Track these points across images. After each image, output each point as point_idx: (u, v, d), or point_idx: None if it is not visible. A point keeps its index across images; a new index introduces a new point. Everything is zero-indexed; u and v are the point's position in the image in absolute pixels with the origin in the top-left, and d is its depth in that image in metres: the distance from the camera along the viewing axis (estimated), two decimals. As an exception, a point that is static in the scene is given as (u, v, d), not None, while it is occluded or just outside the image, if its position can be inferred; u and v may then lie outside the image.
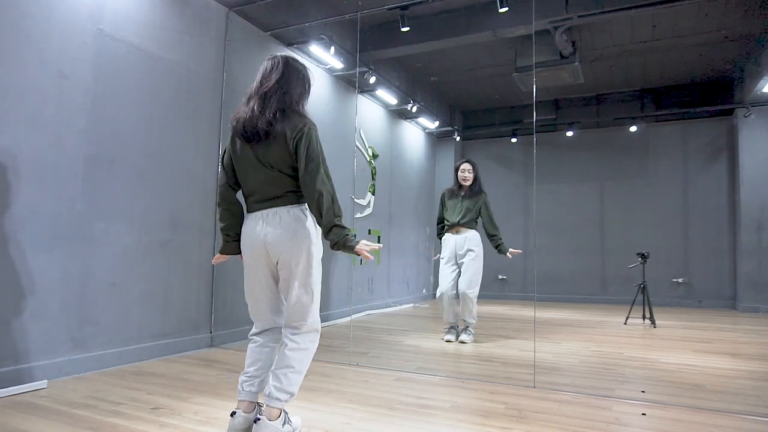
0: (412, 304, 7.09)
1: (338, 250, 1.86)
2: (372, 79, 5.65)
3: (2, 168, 2.66)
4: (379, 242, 6.36)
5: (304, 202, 1.95)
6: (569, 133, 7.40)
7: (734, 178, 6.82)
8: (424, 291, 7.59)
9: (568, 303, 7.22)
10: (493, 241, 4.35)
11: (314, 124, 1.94)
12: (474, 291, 4.23)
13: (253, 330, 2.07)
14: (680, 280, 6.91)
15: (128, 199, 3.33)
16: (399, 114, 7.05)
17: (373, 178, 6.32)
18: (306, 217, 1.94)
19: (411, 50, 5.52)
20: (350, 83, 5.84)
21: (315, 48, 4.95)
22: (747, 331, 5.00)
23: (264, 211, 1.94)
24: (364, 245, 1.85)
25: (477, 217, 4.36)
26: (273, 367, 1.94)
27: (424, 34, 5.23)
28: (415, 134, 7.56)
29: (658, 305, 6.17)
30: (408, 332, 4.80)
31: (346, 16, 4.58)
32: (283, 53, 2.06)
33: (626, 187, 7.37)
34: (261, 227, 1.92)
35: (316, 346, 2.00)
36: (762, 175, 6.49)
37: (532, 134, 6.80)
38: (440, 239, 4.54)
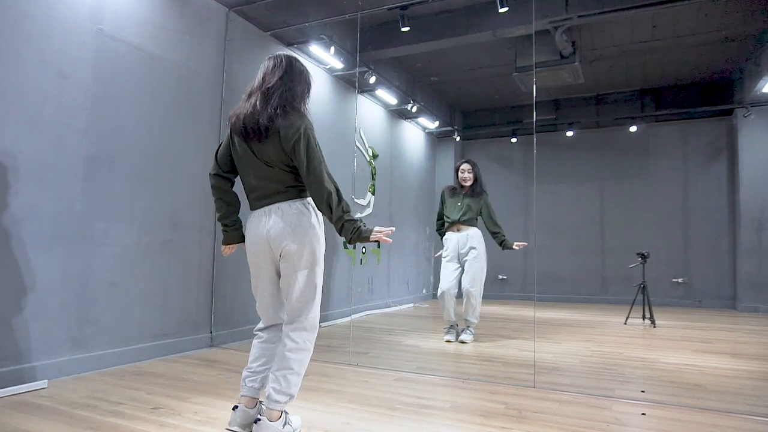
0: (412, 304, 7.10)
1: (355, 242, 1.87)
2: (372, 79, 5.66)
3: (2, 168, 2.66)
4: (378, 244, 6.35)
5: (306, 196, 1.96)
6: (569, 133, 7.40)
7: (734, 178, 6.83)
8: (424, 291, 7.59)
9: (568, 303, 7.22)
10: (497, 238, 4.35)
11: (311, 124, 1.93)
12: (477, 289, 4.22)
13: (259, 325, 2.07)
14: (680, 280, 6.91)
15: (128, 199, 3.33)
16: (399, 114, 7.05)
17: (373, 178, 6.32)
18: (309, 211, 1.94)
19: (411, 50, 5.52)
20: (350, 83, 5.84)
21: (315, 48, 4.95)
22: (747, 331, 5.00)
23: (266, 208, 1.94)
24: (379, 231, 1.86)
25: (477, 215, 4.36)
26: (272, 369, 1.94)
27: (424, 34, 5.23)
28: (415, 134, 7.56)
29: (658, 305, 6.17)
30: (408, 332, 4.80)
31: (346, 16, 4.58)
32: (283, 52, 2.06)
33: (626, 187, 7.38)
34: (264, 224, 1.93)
35: (313, 346, 2.00)
36: (762, 175, 6.49)
37: (532, 134, 6.81)
38: (440, 235, 4.55)
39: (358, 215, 5.86)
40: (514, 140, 7.46)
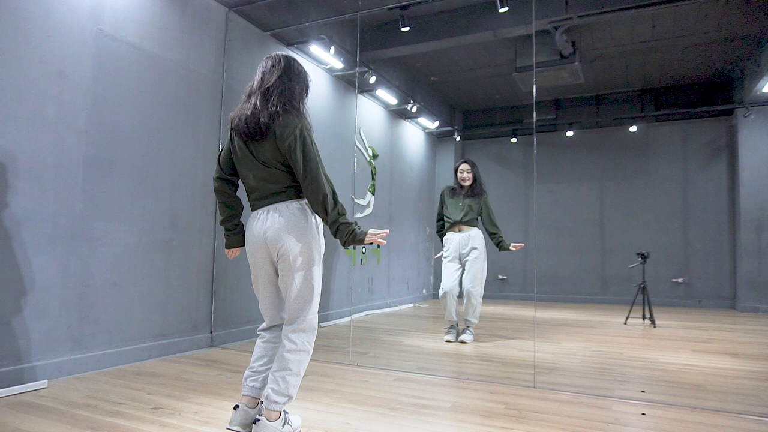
0: (412, 304, 7.10)
1: (350, 245, 1.88)
2: (372, 79, 5.66)
3: (2, 168, 2.66)
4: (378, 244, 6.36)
5: (304, 197, 1.96)
6: (569, 133, 7.40)
7: (734, 178, 6.83)
8: (423, 291, 7.59)
9: (568, 303, 7.22)
10: (494, 239, 4.35)
11: (308, 125, 1.93)
12: (478, 289, 4.23)
13: (262, 325, 2.08)
14: (680, 280, 6.91)
15: (128, 199, 3.33)
16: (399, 114, 7.05)
17: (373, 178, 6.32)
18: (307, 212, 1.94)
19: (411, 50, 5.52)
20: (350, 83, 5.84)
21: (315, 48, 4.95)
22: (747, 331, 5.00)
23: (264, 209, 1.95)
24: (373, 234, 1.87)
25: (478, 216, 4.36)
26: (272, 369, 1.94)
27: (424, 34, 5.23)
28: (415, 134, 7.56)
29: (658, 305, 6.17)
30: (408, 332, 4.80)
31: (346, 16, 4.58)
32: (282, 52, 2.06)
33: (626, 187, 7.37)
34: (261, 224, 1.93)
35: (313, 346, 2.00)
36: (762, 175, 6.49)
37: (532, 134, 6.81)
38: (440, 236, 4.54)
39: (357, 215, 5.87)
40: (514, 140, 7.46)
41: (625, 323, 5.39)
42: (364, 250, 6.03)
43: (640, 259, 5.40)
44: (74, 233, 2.99)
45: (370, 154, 6.31)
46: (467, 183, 4.37)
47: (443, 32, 5.17)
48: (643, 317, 5.34)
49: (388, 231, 1.93)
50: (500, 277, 7.30)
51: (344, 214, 1.88)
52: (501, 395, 2.68)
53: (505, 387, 2.86)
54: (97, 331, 3.11)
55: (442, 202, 4.50)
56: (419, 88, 6.99)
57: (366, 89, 6.04)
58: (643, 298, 5.36)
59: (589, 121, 7.43)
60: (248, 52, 4.37)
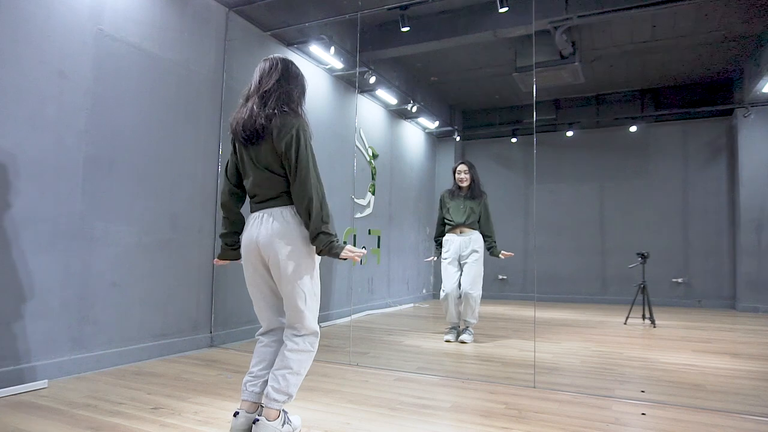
0: (412, 304, 7.10)
1: (323, 255, 1.87)
2: (372, 79, 5.66)
3: (3, 168, 2.66)
4: (378, 244, 6.37)
5: None
6: (569, 133, 7.40)
7: (734, 179, 6.83)
8: (423, 291, 7.59)
9: (568, 303, 7.22)
10: (487, 243, 4.36)
11: (306, 125, 1.92)
12: (478, 291, 4.25)
13: (260, 330, 2.08)
14: (680, 280, 6.91)
15: (128, 200, 3.33)
16: (399, 114, 7.05)
17: (373, 178, 6.32)
18: (298, 220, 1.92)
19: (411, 50, 5.52)
20: (350, 83, 5.84)
21: (315, 48, 4.95)
22: (747, 331, 5.00)
23: (260, 212, 1.95)
24: (349, 251, 1.86)
25: (479, 218, 4.36)
26: (273, 368, 1.94)
27: (424, 34, 5.23)
28: (415, 134, 7.56)
29: (658, 305, 6.17)
30: (408, 332, 4.80)
31: (346, 16, 4.58)
32: (279, 55, 2.05)
33: (626, 187, 7.37)
34: (256, 228, 1.93)
35: (316, 348, 2.00)
36: (762, 175, 6.49)
37: (532, 134, 6.80)
38: (437, 242, 4.53)
39: (357, 215, 5.87)
40: (514, 140, 7.45)
41: (625, 323, 5.39)
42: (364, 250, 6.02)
43: (640, 259, 5.40)
44: (74, 233, 2.99)
45: (370, 154, 6.31)
46: (465, 184, 4.37)
47: (443, 32, 5.17)
48: (643, 317, 5.34)
49: (365, 251, 1.92)
50: (500, 277, 7.30)
51: (327, 223, 1.85)
52: (501, 395, 2.68)
53: (505, 387, 2.86)
54: (97, 331, 3.11)
55: (442, 206, 4.47)
56: (419, 88, 6.99)
57: (366, 89, 6.04)
58: (643, 298, 5.36)
59: (589, 121, 7.42)
60: (248, 52, 4.37)
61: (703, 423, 2.28)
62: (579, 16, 4.65)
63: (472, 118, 8.04)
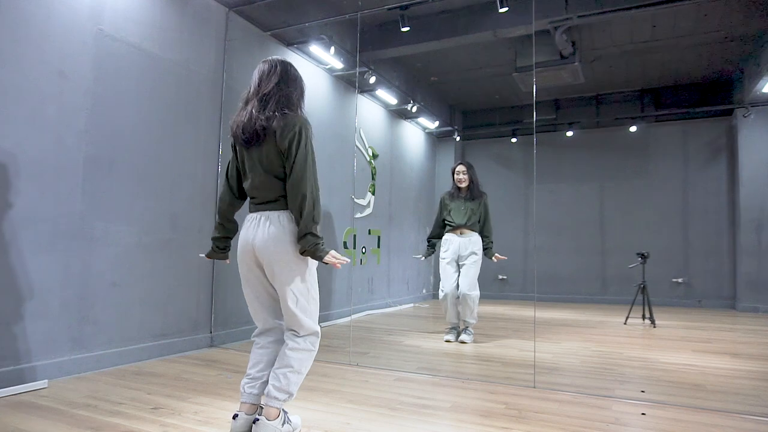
0: (412, 304, 7.10)
1: (306, 256, 1.87)
2: (372, 79, 5.65)
3: (3, 168, 2.66)
4: (378, 244, 6.37)
5: None
6: (569, 133, 7.40)
7: (734, 179, 6.83)
8: (423, 291, 7.59)
9: (568, 303, 7.22)
10: (484, 243, 4.37)
11: (308, 124, 1.93)
12: (476, 292, 4.25)
13: (255, 331, 2.07)
14: (680, 280, 6.90)
15: (128, 200, 3.33)
16: (399, 114, 7.05)
17: (373, 178, 6.32)
18: (293, 224, 1.91)
19: (411, 50, 5.51)
20: (350, 83, 5.84)
21: (315, 48, 4.95)
22: (747, 331, 5.00)
23: (258, 214, 1.95)
24: (333, 257, 1.86)
25: (479, 220, 4.37)
26: (273, 367, 1.94)
27: (424, 34, 5.23)
28: (415, 134, 7.56)
29: (658, 305, 6.17)
30: (408, 332, 4.80)
31: (346, 16, 4.58)
32: (278, 57, 2.05)
33: (626, 187, 7.37)
34: (252, 230, 1.93)
35: (317, 348, 2.00)
36: (762, 175, 6.49)
37: (532, 134, 6.79)
38: (430, 242, 4.55)
39: (357, 215, 5.86)
40: (514, 140, 7.45)
41: (625, 323, 5.39)
42: (363, 249, 6.03)
43: (640, 259, 5.40)
44: (74, 233, 2.99)
45: (370, 154, 6.31)
46: (464, 184, 4.37)
47: (443, 32, 5.17)
48: (643, 317, 5.34)
49: (348, 260, 1.94)
50: (500, 277, 7.30)
51: (317, 224, 1.86)
52: (501, 395, 2.69)
53: (505, 387, 2.86)
54: (97, 331, 3.11)
55: (443, 207, 4.46)
56: (419, 88, 6.99)
57: (366, 89, 6.04)
58: (643, 298, 5.36)
59: (589, 121, 7.42)
60: (248, 52, 4.37)
61: (703, 423, 2.28)
62: (579, 16, 4.65)
63: (472, 118, 8.04)
